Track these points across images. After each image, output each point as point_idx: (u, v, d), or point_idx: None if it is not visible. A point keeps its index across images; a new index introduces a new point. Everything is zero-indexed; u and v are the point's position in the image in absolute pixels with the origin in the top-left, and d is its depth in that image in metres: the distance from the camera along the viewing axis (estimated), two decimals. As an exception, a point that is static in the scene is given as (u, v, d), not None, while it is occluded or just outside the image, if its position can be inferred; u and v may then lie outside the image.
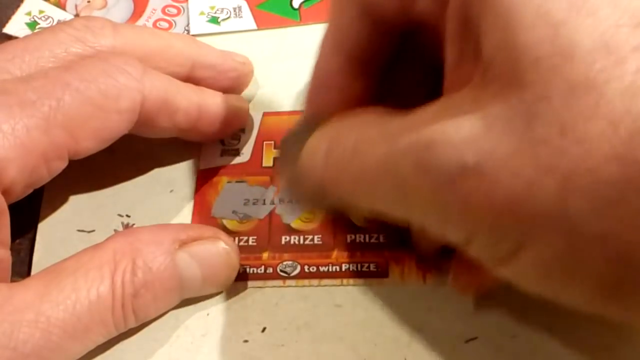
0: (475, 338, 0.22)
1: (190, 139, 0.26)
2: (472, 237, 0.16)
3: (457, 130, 0.15)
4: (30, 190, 0.21)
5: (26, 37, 0.23)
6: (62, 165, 0.21)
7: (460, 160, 0.14)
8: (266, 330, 0.22)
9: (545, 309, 0.22)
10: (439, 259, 0.23)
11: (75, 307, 0.19)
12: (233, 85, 0.28)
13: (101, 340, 0.21)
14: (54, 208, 0.25)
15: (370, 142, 0.17)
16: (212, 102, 0.25)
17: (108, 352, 0.22)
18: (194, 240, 0.22)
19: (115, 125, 0.22)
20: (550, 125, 0.13)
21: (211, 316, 0.23)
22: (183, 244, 0.21)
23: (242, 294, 0.23)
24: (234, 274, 0.23)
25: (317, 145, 0.20)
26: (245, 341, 0.22)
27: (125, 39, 0.24)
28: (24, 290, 0.19)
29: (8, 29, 0.31)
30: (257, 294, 0.23)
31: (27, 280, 0.20)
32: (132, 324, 0.21)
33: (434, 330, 0.22)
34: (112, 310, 0.20)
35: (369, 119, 0.19)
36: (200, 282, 0.22)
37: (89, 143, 0.21)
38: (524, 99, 0.14)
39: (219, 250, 0.22)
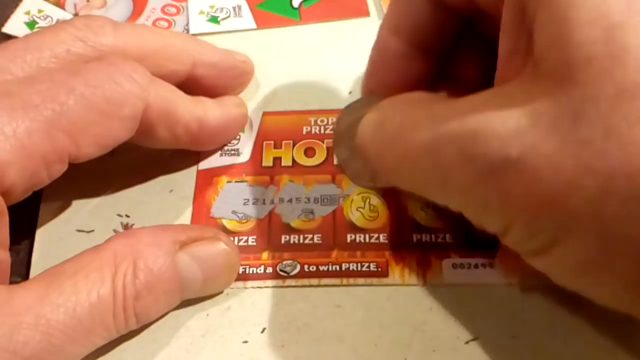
0: (476, 338, 0.22)
1: (187, 149, 0.26)
2: (509, 228, 0.16)
3: (504, 123, 0.15)
4: (30, 193, 0.21)
5: (27, 36, 0.23)
6: (62, 168, 0.21)
7: (504, 152, 0.15)
8: (266, 331, 0.22)
9: (545, 308, 0.22)
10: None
11: (76, 310, 0.19)
12: (233, 83, 0.28)
13: (102, 342, 0.20)
14: (53, 208, 0.25)
15: (416, 123, 0.18)
16: (213, 116, 0.25)
17: (108, 354, 0.22)
18: (194, 241, 0.22)
19: (116, 132, 0.22)
20: (595, 127, 0.14)
21: (211, 317, 0.23)
22: (183, 245, 0.21)
23: (242, 295, 0.23)
24: (235, 275, 0.23)
25: (369, 123, 0.20)
26: (245, 342, 0.22)
27: (126, 37, 0.24)
28: (24, 293, 0.19)
29: (7, 28, 0.31)
30: (256, 295, 0.23)
31: (26, 283, 0.20)
32: (133, 325, 0.21)
33: (434, 330, 0.22)
34: (114, 313, 0.20)
35: (417, 100, 0.19)
36: (201, 283, 0.22)
37: (89, 149, 0.21)
38: (572, 98, 0.14)
39: (219, 251, 0.22)
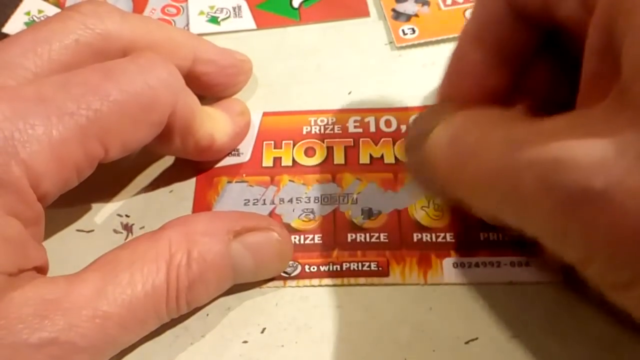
0: (476, 338, 0.22)
1: (189, 159, 0.26)
2: (589, 260, 0.15)
3: (587, 153, 0.14)
4: (58, 196, 0.21)
5: (34, 26, 0.23)
6: (90, 172, 0.21)
7: (588, 184, 0.14)
8: (266, 331, 0.22)
9: (545, 309, 0.22)
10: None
11: (132, 302, 0.19)
12: (232, 82, 0.28)
13: (153, 328, 0.21)
14: (53, 208, 0.25)
15: (492, 144, 0.17)
16: (224, 134, 0.25)
17: (107, 353, 0.22)
18: (249, 231, 0.22)
19: (143, 137, 0.22)
20: None
21: (211, 317, 0.23)
22: (237, 234, 0.22)
23: (241, 295, 0.23)
24: (286, 263, 0.23)
25: (442, 135, 0.20)
26: (245, 342, 0.22)
27: (133, 27, 0.24)
28: (82, 285, 0.19)
29: (7, 29, 0.31)
30: (256, 295, 0.23)
31: (83, 273, 0.20)
32: (184, 311, 0.21)
33: (434, 330, 0.22)
34: (167, 302, 0.20)
35: (493, 118, 0.18)
36: (252, 272, 0.22)
37: (116, 153, 0.22)
38: None
39: (272, 241, 0.22)
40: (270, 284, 0.23)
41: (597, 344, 0.21)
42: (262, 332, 0.22)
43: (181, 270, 0.20)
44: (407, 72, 0.29)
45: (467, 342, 0.22)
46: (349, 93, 0.28)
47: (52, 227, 0.25)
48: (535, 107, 0.17)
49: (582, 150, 0.14)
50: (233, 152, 0.27)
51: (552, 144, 0.15)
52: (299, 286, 0.23)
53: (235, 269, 0.22)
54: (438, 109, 0.22)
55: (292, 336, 0.22)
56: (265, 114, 0.28)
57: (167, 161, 0.27)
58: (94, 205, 0.25)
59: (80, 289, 0.19)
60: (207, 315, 0.23)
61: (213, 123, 0.25)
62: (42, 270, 0.21)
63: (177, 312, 0.21)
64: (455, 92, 0.22)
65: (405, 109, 0.28)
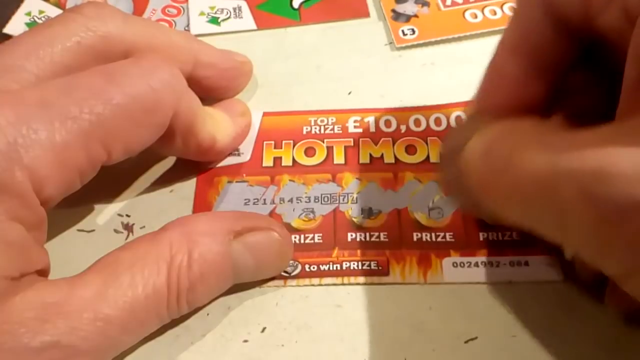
0: (475, 338, 0.22)
1: (190, 159, 0.26)
2: (632, 274, 0.15)
3: (632, 164, 0.14)
4: (61, 199, 0.21)
5: (36, 29, 0.23)
6: (93, 175, 0.21)
7: (632, 195, 0.14)
8: (266, 330, 0.22)
9: (546, 308, 0.22)
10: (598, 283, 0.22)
11: (133, 305, 0.19)
12: (232, 84, 0.28)
13: (154, 329, 0.21)
14: (54, 208, 0.25)
15: (529, 155, 0.16)
16: (226, 135, 0.26)
17: (108, 352, 0.22)
18: (249, 230, 0.22)
19: (145, 139, 0.22)
20: None
21: (211, 316, 0.23)
22: (238, 234, 0.22)
23: (242, 294, 0.23)
24: (286, 263, 0.23)
25: (477, 146, 0.19)
26: (245, 341, 0.22)
27: (135, 30, 0.24)
28: (83, 288, 0.19)
29: (8, 29, 0.31)
30: (256, 294, 0.23)
31: (85, 275, 0.20)
32: (185, 312, 0.21)
33: (434, 330, 0.22)
34: (168, 303, 0.20)
35: (529, 129, 0.18)
36: (253, 271, 0.22)
37: (119, 155, 0.22)
38: None
39: (272, 241, 0.22)
40: (271, 283, 0.23)
41: (597, 344, 0.21)
42: (263, 331, 0.22)
43: (182, 272, 0.20)
44: (407, 72, 0.29)
45: (466, 342, 0.22)
46: (349, 93, 0.28)
47: (54, 227, 0.25)
48: (572, 119, 0.17)
49: (626, 160, 0.14)
50: (233, 152, 0.27)
51: (594, 153, 0.15)
52: (299, 285, 0.23)
53: (235, 268, 0.22)
54: (473, 120, 0.22)
55: (292, 335, 0.22)
56: (265, 114, 0.28)
57: (168, 161, 0.27)
58: (95, 206, 0.26)
59: (82, 291, 0.19)
60: (208, 314, 0.23)
61: (214, 124, 0.25)
62: (44, 273, 0.21)
63: (177, 313, 0.21)
64: (491, 103, 0.22)
65: (405, 109, 0.28)
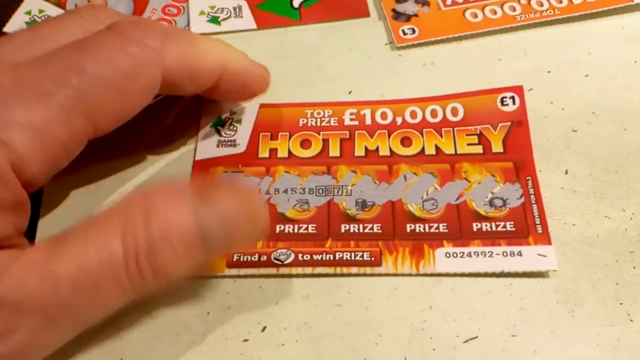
0: (475, 337, 0.22)
1: (207, 98, 0.25)
2: None
3: None
4: (51, 177, 0.21)
5: (33, 25, 0.23)
6: (80, 149, 0.21)
7: None
8: (266, 330, 0.22)
9: (546, 309, 0.22)
10: None
11: (84, 264, 0.18)
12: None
13: (119, 300, 0.19)
14: (53, 207, 0.25)
15: None
16: (236, 61, 0.24)
17: (107, 350, 0.22)
18: (215, 193, 0.20)
19: (134, 104, 0.21)
20: None
21: (211, 315, 0.23)
22: (202, 197, 0.20)
23: (242, 293, 0.23)
24: (260, 231, 0.21)
25: None
26: (245, 340, 0.22)
27: None
28: (33, 249, 0.19)
29: (8, 28, 0.31)
30: (257, 293, 0.23)
31: (37, 243, 0.19)
32: (151, 282, 0.19)
33: (433, 329, 0.22)
34: (126, 267, 0.19)
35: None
36: (222, 237, 0.20)
37: (107, 125, 0.21)
38: None
39: (242, 204, 0.20)
40: (263, 270, 0.23)
41: (597, 344, 0.21)
42: (263, 330, 0.22)
43: (138, 231, 0.19)
44: (407, 72, 0.29)
45: (466, 341, 0.22)
46: (349, 93, 0.28)
47: (52, 226, 0.25)
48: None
49: None
50: (229, 143, 0.27)
51: None
52: (291, 273, 0.23)
53: (202, 232, 0.19)
54: None
55: (292, 335, 0.22)
56: (262, 106, 0.28)
57: (164, 151, 0.27)
58: (94, 204, 0.25)
59: (31, 254, 0.18)
60: (208, 313, 0.23)
61: (222, 50, 0.24)
62: None
63: (141, 281, 0.19)
64: None
65: (401, 101, 0.28)
